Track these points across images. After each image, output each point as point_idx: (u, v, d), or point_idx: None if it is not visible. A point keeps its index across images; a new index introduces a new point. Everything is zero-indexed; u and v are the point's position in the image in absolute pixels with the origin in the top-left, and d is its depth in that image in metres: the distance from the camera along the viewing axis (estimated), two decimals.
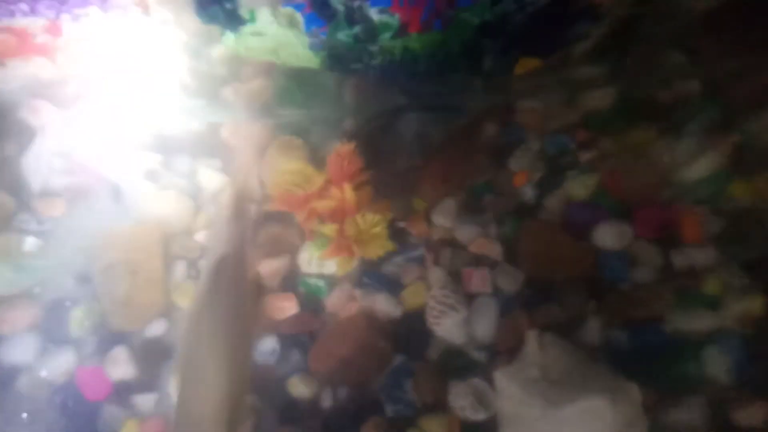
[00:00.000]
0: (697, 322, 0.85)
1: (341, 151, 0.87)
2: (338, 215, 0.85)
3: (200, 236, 1.00)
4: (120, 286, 0.91)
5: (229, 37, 1.11)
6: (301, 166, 0.87)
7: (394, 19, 1.09)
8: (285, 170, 0.87)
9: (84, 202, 1.02)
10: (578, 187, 0.98)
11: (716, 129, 0.97)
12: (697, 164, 0.95)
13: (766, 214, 0.89)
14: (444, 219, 0.98)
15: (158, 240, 0.96)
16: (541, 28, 1.08)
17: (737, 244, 0.88)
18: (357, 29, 1.07)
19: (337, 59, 1.09)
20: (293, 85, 1.11)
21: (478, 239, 0.96)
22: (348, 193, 0.84)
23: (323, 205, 0.85)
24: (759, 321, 0.84)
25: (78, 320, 0.94)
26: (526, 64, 1.10)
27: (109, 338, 0.94)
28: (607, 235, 0.92)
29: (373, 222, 0.86)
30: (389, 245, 0.90)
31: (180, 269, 0.97)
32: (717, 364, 0.82)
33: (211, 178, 1.03)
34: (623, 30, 1.09)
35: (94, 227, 0.99)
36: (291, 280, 0.96)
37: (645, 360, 0.84)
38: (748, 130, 0.95)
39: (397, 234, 0.97)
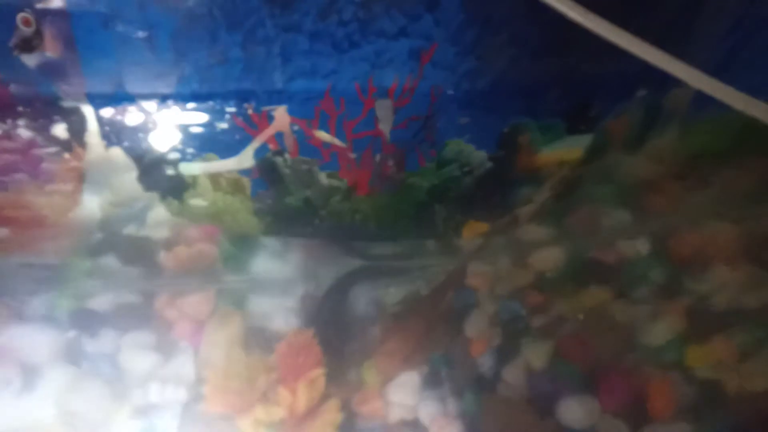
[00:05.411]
0: None
1: (295, 341, 0.80)
2: (287, 425, 0.76)
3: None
4: None
5: (171, 202, 1.07)
6: (244, 360, 0.79)
7: (343, 183, 1.09)
8: (225, 363, 0.79)
9: None
10: (536, 355, 0.93)
11: (666, 292, 0.97)
12: (653, 330, 0.93)
13: (729, 383, 0.86)
14: (403, 395, 0.90)
15: None
16: (487, 192, 1.11)
17: (709, 418, 0.84)
18: (306, 193, 1.06)
19: (284, 223, 1.06)
20: (237, 249, 1.06)
21: (439, 418, 0.88)
22: (300, 394, 0.75)
23: (270, 414, 0.76)
24: None
25: None
26: (474, 228, 1.10)
27: None
28: (573, 411, 0.87)
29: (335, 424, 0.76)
30: None
31: None
32: None
33: (138, 359, 0.92)
34: (565, 192, 1.13)
35: None
36: None
37: None
38: (697, 292, 0.96)
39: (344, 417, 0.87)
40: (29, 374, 0.92)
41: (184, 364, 0.90)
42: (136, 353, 0.94)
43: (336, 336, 0.90)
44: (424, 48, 1.16)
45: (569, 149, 1.16)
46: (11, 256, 1.08)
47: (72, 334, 0.96)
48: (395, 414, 0.90)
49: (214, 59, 1.16)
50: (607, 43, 1.04)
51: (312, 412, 0.79)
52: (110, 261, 1.05)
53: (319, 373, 0.81)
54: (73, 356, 0.93)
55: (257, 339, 0.90)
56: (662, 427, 0.84)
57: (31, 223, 1.09)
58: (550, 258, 1.04)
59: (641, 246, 1.04)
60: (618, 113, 1.15)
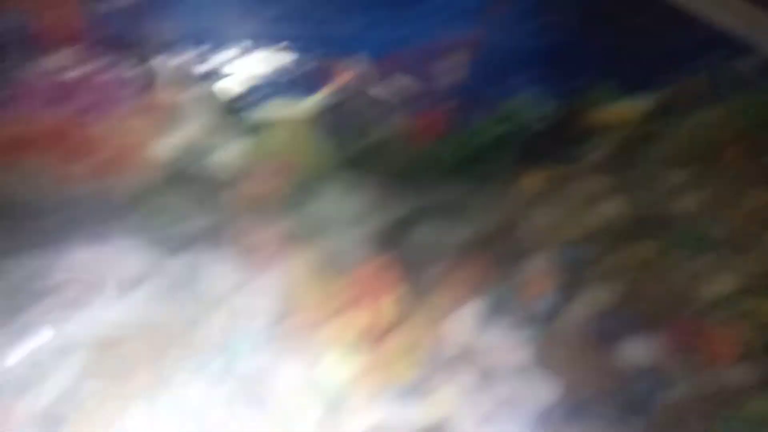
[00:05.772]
0: None
1: (370, 267, 0.83)
2: (363, 347, 0.80)
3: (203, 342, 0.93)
4: None
5: (245, 141, 1.12)
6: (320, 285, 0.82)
7: (411, 126, 1.12)
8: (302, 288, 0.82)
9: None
10: (599, 297, 0.96)
11: (729, 246, 0.99)
12: (717, 281, 0.95)
13: None
14: (467, 325, 0.94)
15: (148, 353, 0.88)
16: (548, 145, 1.13)
17: None
18: (376, 136, 1.10)
19: (354, 163, 1.10)
20: (309, 184, 1.10)
21: (502, 348, 0.92)
22: (375, 317, 0.79)
23: (347, 333, 0.79)
24: None
25: None
26: (534, 176, 1.13)
27: None
28: (634, 351, 0.90)
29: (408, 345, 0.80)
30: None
31: None
32: None
33: (218, 278, 0.97)
34: (627, 148, 1.15)
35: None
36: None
37: None
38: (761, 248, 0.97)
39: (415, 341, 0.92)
40: (116, 289, 0.98)
41: (262, 289, 0.95)
42: (213, 278, 1.00)
43: (408, 266, 0.94)
44: (490, 3, 1.18)
45: (633, 108, 1.18)
46: (90, 187, 1.13)
47: (151, 257, 1.02)
48: (458, 342, 0.94)
49: (290, 5, 1.19)
50: (679, 8, 1.05)
51: (386, 335, 0.83)
52: (187, 194, 1.10)
53: (392, 297, 0.85)
54: (152, 277, 0.99)
55: (333, 266, 0.94)
56: (726, 370, 0.86)
57: (111, 156, 1.15)
58: (610, 209, 1.06)
59: (699, 203, 1.06)
60: (686, 76, 1.16)
